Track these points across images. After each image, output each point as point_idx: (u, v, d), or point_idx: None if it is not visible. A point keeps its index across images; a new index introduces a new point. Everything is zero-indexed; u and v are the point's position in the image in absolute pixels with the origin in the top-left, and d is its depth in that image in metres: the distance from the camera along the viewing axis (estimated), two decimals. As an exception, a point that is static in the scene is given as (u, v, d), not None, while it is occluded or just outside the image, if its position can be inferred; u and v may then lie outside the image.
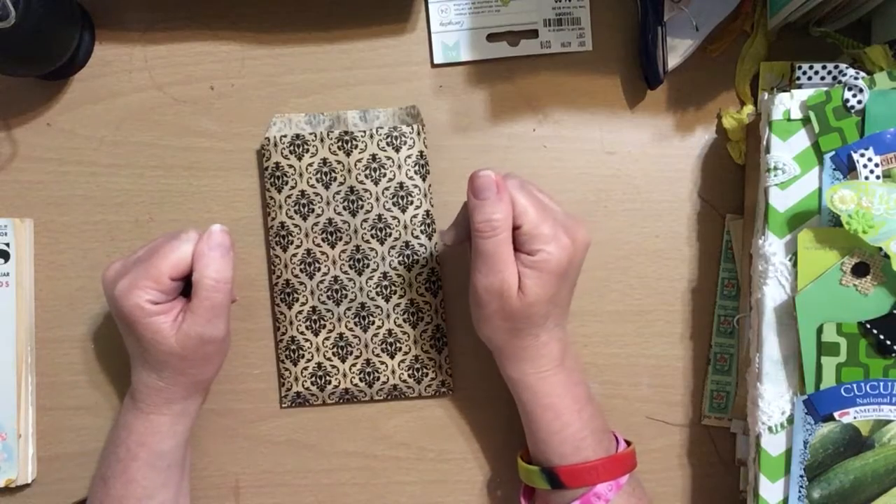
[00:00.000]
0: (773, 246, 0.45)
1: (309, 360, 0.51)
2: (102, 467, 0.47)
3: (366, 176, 0.50)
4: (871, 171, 0.43)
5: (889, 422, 0.43)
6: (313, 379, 0.51)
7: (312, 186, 0.50)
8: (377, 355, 0.51)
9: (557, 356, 0.45)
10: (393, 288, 0.51)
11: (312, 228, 0.51)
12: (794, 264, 0.44)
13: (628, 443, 0.47)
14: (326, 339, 0.51)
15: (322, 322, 0.51)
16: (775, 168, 0.45)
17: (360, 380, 0.51)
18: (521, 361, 0.45)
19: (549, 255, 0.42)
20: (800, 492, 0.44)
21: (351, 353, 0.51)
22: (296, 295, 0.51)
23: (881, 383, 0.43)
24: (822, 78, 0.46)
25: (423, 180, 0.51)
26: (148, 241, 0.51)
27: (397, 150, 0.50)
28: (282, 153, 0.50)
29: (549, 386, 0.45)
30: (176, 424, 0.47)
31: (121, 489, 0.45)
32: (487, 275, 0.42)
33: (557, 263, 0.42)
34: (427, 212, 0.51)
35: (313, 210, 0.51)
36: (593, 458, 0.44)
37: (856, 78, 0.44)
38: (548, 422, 0.45)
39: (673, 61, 0.49)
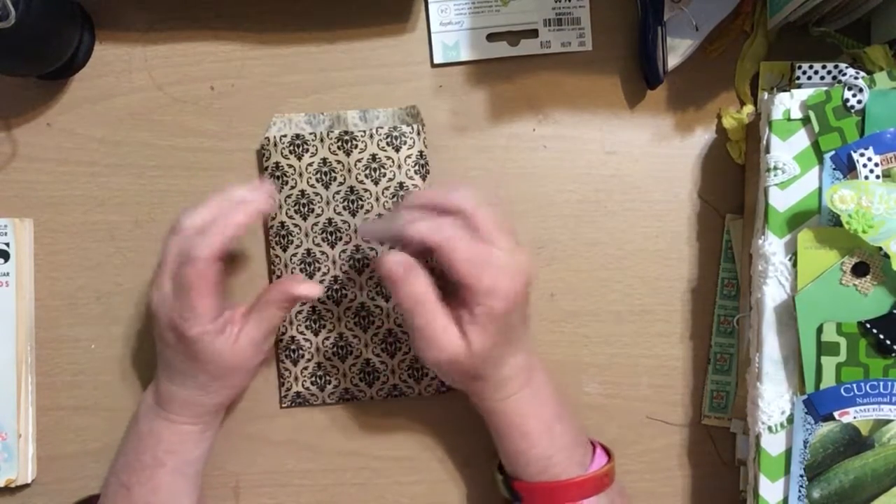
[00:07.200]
0: (773, 246, 0.45)
1: (309, 360, 0.51)
2: (123, 474, 0.46)
3: (366, 176, 0.50)
4: (871, 171, 0.43)
5: (889, 422, 0.43)
6: (313, 379, 0.51)
7: (312, 186, 0.50)
8: (377, 355, 0.51)
9: (521, 380, 0.44)
10: (393, 288, 0.51)
11: (312, 228, 0.51)
12: (794, 264, 0.44)
13: (609, 454, 0.47)
14: (326, 338, 0.51)
15: (322, 322, 0.51)
16: (775, 168, 0.45)
17: (360, 380, 0.51)
18: (483, 391, 0.45)
19: (490, 309, 0.41)
20: (800, 492, 0.44)
21: (351, 352, 0.51)
22: (296, 295, 0.51)
23: (881, 383, 0.43)
24: (822, 78, 0.46)
25: (423, 180, 0.51)
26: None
27: (397, 150, 0.50)
28: (282, 153, 0.50)
29: (513, 408, 0.44)
30: (206, 431, 0.47)
31: (147, 495, 0.45)
32: (428, 350, 0.42)
33: (499, 314, 0.41)
34: (427, 212, 0.51)
35: (313, 210, 0.51)
36: (562, 476, 0.44)
37: (856, 78, 0.44)
38: (513, 442, 0.45)
39: (673, 61, 0.49)
